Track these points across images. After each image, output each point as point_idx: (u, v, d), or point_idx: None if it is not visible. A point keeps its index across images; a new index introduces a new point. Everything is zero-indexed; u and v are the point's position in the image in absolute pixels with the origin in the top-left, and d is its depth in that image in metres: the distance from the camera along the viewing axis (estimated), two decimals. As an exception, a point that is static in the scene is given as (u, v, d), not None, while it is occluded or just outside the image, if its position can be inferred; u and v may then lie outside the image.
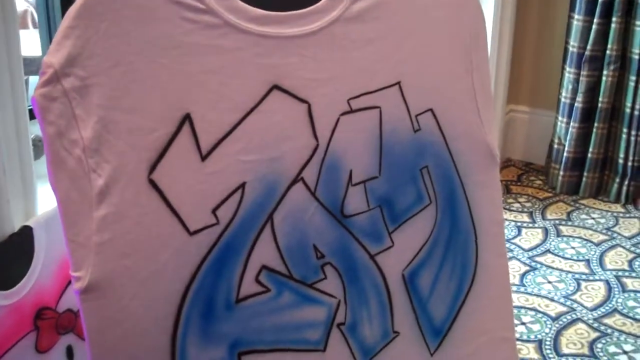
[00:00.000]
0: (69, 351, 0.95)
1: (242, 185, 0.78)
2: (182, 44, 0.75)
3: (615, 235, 1.84)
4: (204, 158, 0.76)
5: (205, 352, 0.78)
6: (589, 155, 2.00)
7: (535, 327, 1.49)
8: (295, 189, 0.81)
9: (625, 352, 1.41)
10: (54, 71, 0.70)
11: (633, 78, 1.91)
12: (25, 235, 0.91)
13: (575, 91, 1.98)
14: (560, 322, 1.50)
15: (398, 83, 0.87)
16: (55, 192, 0.72)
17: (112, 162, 0.72)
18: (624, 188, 1.99)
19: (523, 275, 1.67)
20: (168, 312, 0.76)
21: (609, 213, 1.96)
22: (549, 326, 1.49)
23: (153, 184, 0.74)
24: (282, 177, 0.80)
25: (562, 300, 1.57)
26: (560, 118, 2.03)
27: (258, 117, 0.78)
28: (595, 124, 1.97)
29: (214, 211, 0.77)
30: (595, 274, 1.67)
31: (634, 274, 1.67)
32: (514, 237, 1.83)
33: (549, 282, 1.64)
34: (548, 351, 1.41)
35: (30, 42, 2.13)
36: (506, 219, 1.91)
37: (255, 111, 0.78)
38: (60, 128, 0.71)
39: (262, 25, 0.78)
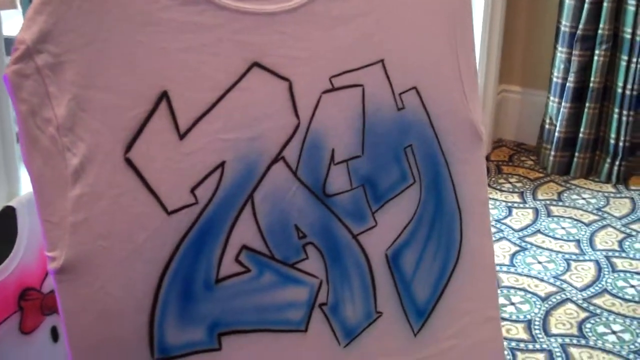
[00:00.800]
0: (54, 332, 0.95)
1: (222, 164, 0.77)
2: (159, 21, 0.73)
3: (605, 215, 1.84)
4: (182, 137, 0.75)
5: (184, 333, 0.78)
6: (580, 135, 1.99)
7: (525, 307, 1.48)
8: (276, 168, 0.80)
9: (614, 332, 1.41)
10: (26, 47, 0.68)
11: (625, 57, 1.90)
12: (7, 216, 0.90)
13: (567, 71, 1.97)
14: (550, 302, 1.50)
15: (381, 61, 0.85)
16: (29, 171, 0.71)
17: (87, 141, 0.71)
18: (615, 168, 1.98)
19: (513, 256, 1.66)
20: (146, 293, 0.75)
21: (600, 193, 1.95)
22: (538, 306, 1.49)
23: (129, 162, 0.73)
24: (262, 156, 0.79)
25: (551, 280, 1.57)
26: (552, 98, 2.03)
27: (237, 95, 0.77)
28: (587, 104, 1.96)
29: (192, 190, 0.76)
30: (585, 254, 1.67)
31: (624, 254, 1.67)
32: (505, 217, 1.83)
33: (539, 262, 1.64)
34: (537, 331, 1.41)
35: (18, 23, 2.10)
36: (497, 199, 1.90)
37: (234, 89, 0.77)
38: (33, 106, 0.70)
39: (241, 1, 0.77)
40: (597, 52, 1.92)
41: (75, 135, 0.71)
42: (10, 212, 0.90)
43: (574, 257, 1.66)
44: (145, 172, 0.74)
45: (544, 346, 1.37)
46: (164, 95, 0.74)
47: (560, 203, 1.90)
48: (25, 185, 0.99)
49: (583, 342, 1.38)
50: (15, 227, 0.90)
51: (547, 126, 2.06)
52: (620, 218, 1.83)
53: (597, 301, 1.51)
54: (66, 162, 0.71)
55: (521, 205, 1.89)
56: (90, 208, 0.72)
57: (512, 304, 1.49)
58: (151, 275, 0.75)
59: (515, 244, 1.71)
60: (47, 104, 0.70)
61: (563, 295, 1.52)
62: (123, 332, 0.75)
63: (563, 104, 1.98)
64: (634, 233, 1.75)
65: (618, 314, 1.46)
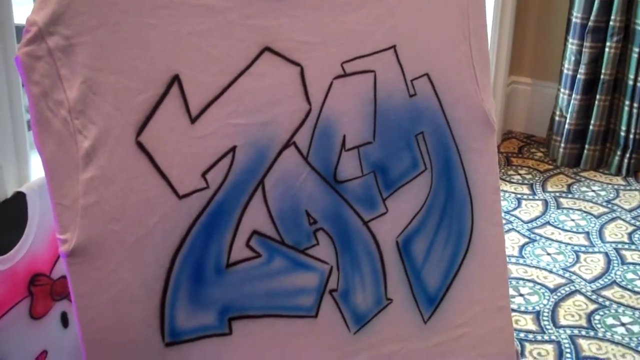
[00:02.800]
0: (64, 317, 0.95)
1: (233, 149, 0.77)
2: (170, 4, 0.73)
3: (615, 207, 1.83)
4: (193, 121, 0.75)
5: (194, 317, 0.78)
6: (591, 127, 1.98)
7: (534, 298, 1.48)
8: (287, 153, 0.80)
9: (622, 324, 1.40)
10: (38, 29, 0.68)
11: (636, 50, 1.89)
12: (18, 202, 0.90)
13: (577, 63, 1.95)
14: (559, 294, 1.49)
15: (393, 47, 0.85)
16: (40, 153, 0.71)
17: (98, 124, 0.71)
18: (625, 161, 1.97)
19: (522, 247, 1.66)
20: (157, 276, 0.75)
21: (610, 186, 1.94)
22: (547, 298, 1.48)
23: (141, 146, 0.73)
24: (273, 141, 0.79)
25: (560, 272, 1.57)
26: (562, 90, 2.01)
27: (249, 79, 0.77)
28: (598, 96, 1.95)
29: (203, 175, 0.76)
30: (594, 246, 1.66)
31: (633, 247, 1.66)
32: (514, 209, 1.82)
33: (548, 254, 1.63)
34: (545, 322, 1.41)
35: (27, 10, 2.11)
36: (506, 191, 1.90)
37: (246, 73, 0.77)
38: (45, 88, 0.70)
39: (253, -15, 0.77)
40: (608, 44, 1.90)
41: (87, 118, 0.71)
42: (20, 197, 0.91)
43: (583, 249, 1.66)
44: (156, 156, 0.74)
45: (553, 337, 1.36)
46: (176, 79, 0.74)
47: (570, 195, 1.89)
48: (35, 171, 0.99)
49: (592, 333, 1.38)
50: (25, 213, 0.90)
51: (557, 118, 2.05)
52: (630, 210, 1.82)
53: (606, 293, 1.50)
54: (78, 145, 0.71)
55: (530, 197, 1.88)
56: (102, 191, 0.72)
57: (521, 295, 1.49)
58: (162, 259, 0.75)
59: (524, 235, 1.70)
60: (59, 86, 0.70)
61: (572, 287, 1.52)
62: (134, 315, 0.75)
63: (574, 95, 1.97)
64: (644, 226, 1.74)
65: (627, 306, 1.46)
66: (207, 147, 0.76)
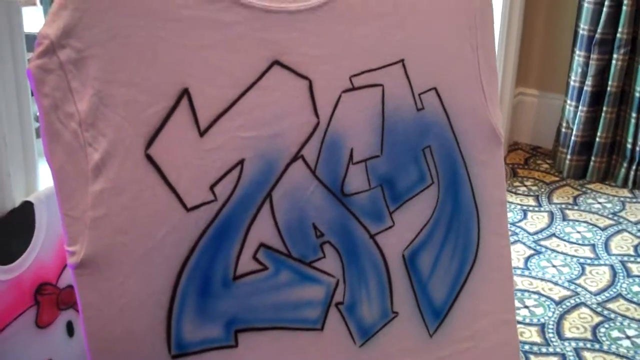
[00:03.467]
0: (69, 327, 0.95)
1: (241, 162, 0.77)
2: (181, 17, 0.74)
3: (621, 220, 1.83)
4: (202, 133, 0.75)
5: (201, 329, 0.78)
6: (597, 139, 1.98)
7: (539, 310, 1.48)
8: (295, 166, 0.80)
9: (628, 337, 1.40)
10: (49, 42, 0.69)
11: (643, 62, 1.89)
12: (26, 211, 0.91)
13: (584, 75, 1.95)
14: (564, 306, 1.49)
15: (401, 61, 0.85)
16: (50, 165, 0.71)
17: (108, 136, 0.72)
18: (632, 173, 1.97)
19: (527, 259, 1.66)
20: (164, 288, 0.75)
21: (616, 198, 1.94)
22: (552, 310, 1.48)
23: (150, 159, 0.73)
24: (281, 154, 0.79)
25: (566, 284, 1.57)
26: (568, 102, 2.02)
27: (258, 93, 0.77)
28: (604, 108, 1.95)
29: (211, 187, 0.76)
30: (600, 259, 1.66)
31: (639, 259, 1.66)
32: (520, 221, 1.82)
33: (554, 266, 1.63)
34: (551, 335, 1.40)
35: (37, 19, 2.11)
36: (512, 203, 1.90)
37: (255, 87, 0.77)
38: (55, 100, 0.70)
39: (262, -1, 0.77)
40: (615, 56, 1.91)
41: (97, 130, 0.71)
42: (28, 207, 0.91)
43: (588, 261, 1.65)
44: (165, 169, 0.74)
45: (558, 350, 1.36)
46: (185, 92, 0.74)
47: (576, 207, 1.89)
48: (43, 181, 0.99)
49: (597, 346, 1.37)
50: (33, 223, 0.91)
51: (563, 130, 2.05)
52: (636, 223, 1.82)
53: (612, 306, 1.50)
54: (87, 157, 0.71)
55: (536, 209, 1.88)
56: (111, 203, 0.72)
57: (526, 307, 1.49)
58: (170, 271, 0.75)
59: (530, 247, 1.70)
60: (70, 98, 0.70)
61: (577, 300, 1.51)
62: (141, 327, 0.75)
63: (580, 107, 1.97)
64: (649, 238, 1.74)
65: (632, 319, 1.45)
66: (216, 160, 0.76)
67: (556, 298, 1.52)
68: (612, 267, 1.63)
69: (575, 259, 1.66)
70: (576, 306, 1.49)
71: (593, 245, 1.72)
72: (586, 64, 1.94)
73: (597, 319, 1.45)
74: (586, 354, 1.35)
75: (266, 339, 0.81)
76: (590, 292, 1.54)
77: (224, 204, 0.77)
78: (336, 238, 0.84)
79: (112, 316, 0.74)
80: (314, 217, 0.82)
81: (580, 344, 1.38)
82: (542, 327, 1.43)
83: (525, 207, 1.88)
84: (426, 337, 0.91)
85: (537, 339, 1.39)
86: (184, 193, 0.75)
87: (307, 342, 0.84)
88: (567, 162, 2.03)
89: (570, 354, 1.35)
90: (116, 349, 0.75)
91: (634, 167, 1.96)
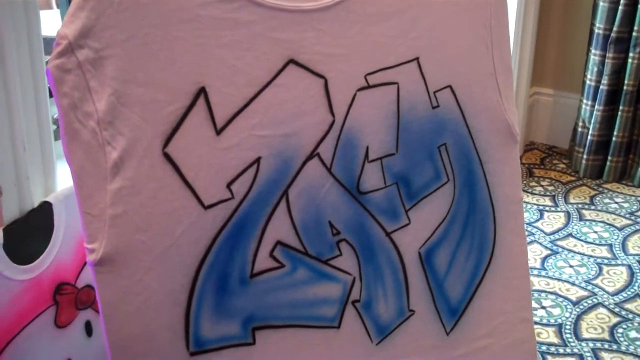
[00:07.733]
0: (88, 326, 0.96)
1: (257, 160, 0.78)
2: (197, 17, 0.74)
3: (638, 219, 1.82)
4: (219, 132, 0.76)
5: (219, 326, 0.78)
6: (614, 138, 1.97)
7: (556, 311, 1.47)
8: (311, 164, 0.81)
9: (646, 337, 1.39)
10: (68, 43, 0.70)
11: (660, 60, 1.88)
12: (44, 211, 0.92)
13: (600, 73, 1.95)
14: (581, 307, 1.48)
15: (416, 59, 0.86)
16: (69, 164, 0.72)
17: (126, 135, 0.72)
18: (649, 172, 1.96)
19: (544, 259, 1.65)
20: (182, 286, 0.76)
21: (633, 197, 1.93)
22: (570, 310, 1.47)
23: (168, 157, 0.74)
24: (297, 152, 0.80)
25: (583, 284, 1.56)
26: (584, 101, 2.01)
27: (274, 91, 0.78)
28: (620, 107, 1.94)
29: (228, 186, 0.77)
30: (617, 259, 1.65)
31: (657, 259, 1.65)
32: (536, 221, 1.81)
33: (571, 266, 1.62)
34: (568, 335, 1.40)
35: (53, 22, 2.13)
36: (528, 202, 1.89)
37: (270, 85, 0.78)
38: (74, 100, 0.71)
39: (278, -2, 0.78)
40: (631, 54, 1.90)
41: (115, 129, 0.72)
42: (47, 207, 0.92)
43: (606, 261, 1.64)
44: (182, 167, 0.75)
45: (575, 350, 1.36)
46: (202, 91, 0.75)
47: (593, 207, 1.88)
48: (62, 181, 1.00)
49: (615, 347, 1.37)
50: (51, 223, 0.92)
51: (579, 129, 2.04)
52: (653, 223, 1.81)
53: (629, 306, 1.49)
54: (106, 156, 0.72)
55: (553, 209, 1.87)
56: (129, 201, 0.73)
57: (543, 307, 1.48)
58: (188, 269, 0.76)
59: (546, 247, 1.70)
60: (88, 98, 0.71)
61: (595, 300, 1.51)
62: (160, 324, 0.76)
63: (596, 106, 1.96)
64: (667, 238, 1.73)
65: (651, 319, 1.45)
66: (232, 158, 0.77)
67: (573, 298, 1.51)
68: (629, 267, 1.62)
69: (592, 259, 1.65)
70: (593, 306, 1.49)
71: (610, 245, 1.70)
72: (602, 63, 1.93)
73: (615, 320, 1.44)
74: (604, 354, 1.35)
75: (283, 336, 0.82)
76: (608, 293, 1.53)
77: (240, 202, 0.77)
78: (352, 236, 0.84)
79: (131, 313, 0.75)
80: (330, 215, 0.82)
81: (598, 345, 1.37)
82: (560, 328, 1.42)
83: (541, 207, 1.87)
84: (443, 335, 0.91)
85: (554, 339, 1.39)
86: (201, 191, 0.76)
87: (324, 340, 0.84)
88: (584, 161, 2.02)
89: (587, 354, 1.34)
90: (136, 346, 0.76)
91: (651, 167, 1.95)
